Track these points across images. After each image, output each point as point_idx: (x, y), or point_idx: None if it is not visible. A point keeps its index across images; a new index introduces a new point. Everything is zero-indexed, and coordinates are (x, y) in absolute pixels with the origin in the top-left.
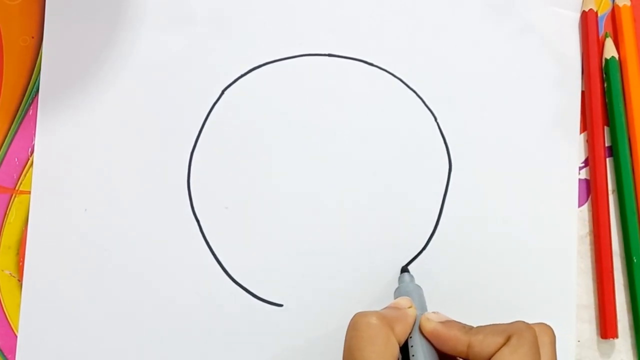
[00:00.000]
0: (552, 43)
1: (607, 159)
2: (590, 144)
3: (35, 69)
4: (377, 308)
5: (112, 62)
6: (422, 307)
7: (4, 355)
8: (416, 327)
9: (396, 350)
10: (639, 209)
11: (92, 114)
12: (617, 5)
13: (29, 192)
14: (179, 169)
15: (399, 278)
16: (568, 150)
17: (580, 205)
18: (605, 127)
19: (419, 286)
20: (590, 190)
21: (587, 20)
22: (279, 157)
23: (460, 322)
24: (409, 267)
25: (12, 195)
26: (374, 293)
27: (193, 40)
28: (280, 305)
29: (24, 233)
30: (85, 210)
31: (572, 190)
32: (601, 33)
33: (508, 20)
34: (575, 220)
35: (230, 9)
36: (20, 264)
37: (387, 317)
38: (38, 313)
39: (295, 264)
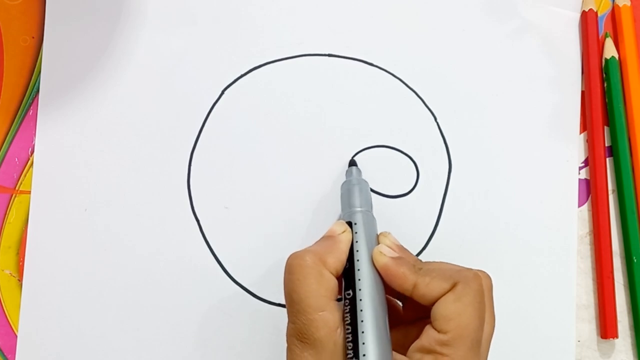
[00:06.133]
0: (552, 43)
1: (607, 159)
2: (590, 144)
3: (36, 69)
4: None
5: (112, 62)
6: (367, 204)
7: (4, 355)
8: (365, 257)
9: (331, 284)
10: (639, 209)
11: (92, 113)
12: (617, 5)
13: (29, 192)
14: (179, 169)
15: (346, 172)
16: (568, 150)
17: (580, 205)
18: (605, 127)
19: (365, 181)
20: (590, 190)
21: (587, 20)
22: (278, 157)
23: (412, 257)
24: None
25: (12, 195)
26: None
27: (193, 40)
28: (281, 305)
29: (24, 233)
30: (85, 210)
31: (572, 190)
32: (601, 33)
33: (508, 20)
34: (575, 220)
35: (230, 9)
36: (20, 264)
37: (318, 253)
38: (38, 313)
39: None
